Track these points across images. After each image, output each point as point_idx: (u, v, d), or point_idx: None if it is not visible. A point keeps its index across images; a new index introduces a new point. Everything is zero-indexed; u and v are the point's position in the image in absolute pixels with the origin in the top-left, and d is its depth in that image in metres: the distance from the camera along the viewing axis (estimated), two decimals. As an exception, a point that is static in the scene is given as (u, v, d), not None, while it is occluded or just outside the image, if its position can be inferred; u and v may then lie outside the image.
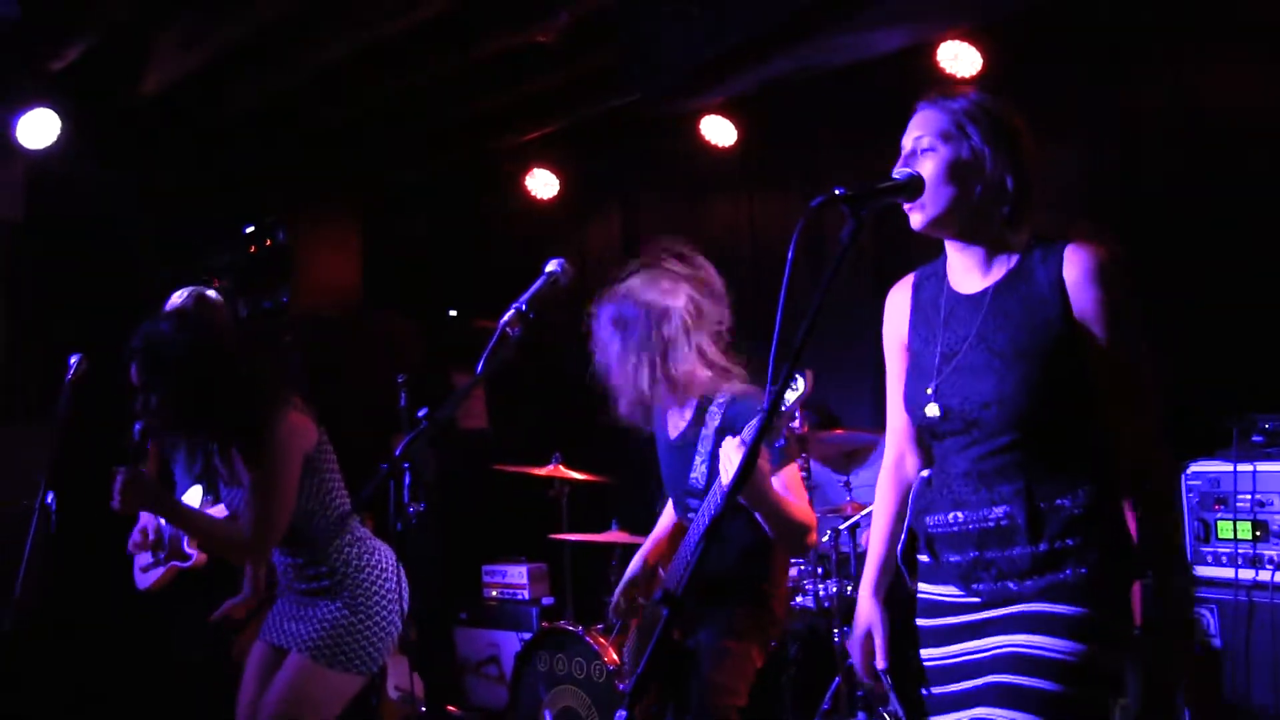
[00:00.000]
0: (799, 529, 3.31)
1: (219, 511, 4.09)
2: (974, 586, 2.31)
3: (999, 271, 2.34)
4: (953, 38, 5.40)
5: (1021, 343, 2.25)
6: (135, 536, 4.68)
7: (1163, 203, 4.76)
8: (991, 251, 2.35)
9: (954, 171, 2.29)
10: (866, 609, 2.68)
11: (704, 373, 3.45)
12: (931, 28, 5.43)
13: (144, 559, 4.72)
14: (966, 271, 2.40)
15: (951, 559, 2.36)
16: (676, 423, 3.55)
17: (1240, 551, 3.75)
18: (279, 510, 3.32)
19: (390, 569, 3.50)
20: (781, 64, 5.79)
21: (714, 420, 3.39)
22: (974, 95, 2.36)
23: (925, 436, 2.51)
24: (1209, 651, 3.74)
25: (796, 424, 3.26)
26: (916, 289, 2.54)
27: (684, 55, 5.37)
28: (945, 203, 2.30)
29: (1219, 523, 3.81)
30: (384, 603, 3.44)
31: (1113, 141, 4.87)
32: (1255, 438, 3.88)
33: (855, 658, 2.70)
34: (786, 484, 3.31)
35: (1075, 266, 2.22)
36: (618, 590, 3.75)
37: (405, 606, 3.50)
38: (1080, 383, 2.23)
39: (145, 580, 4.73)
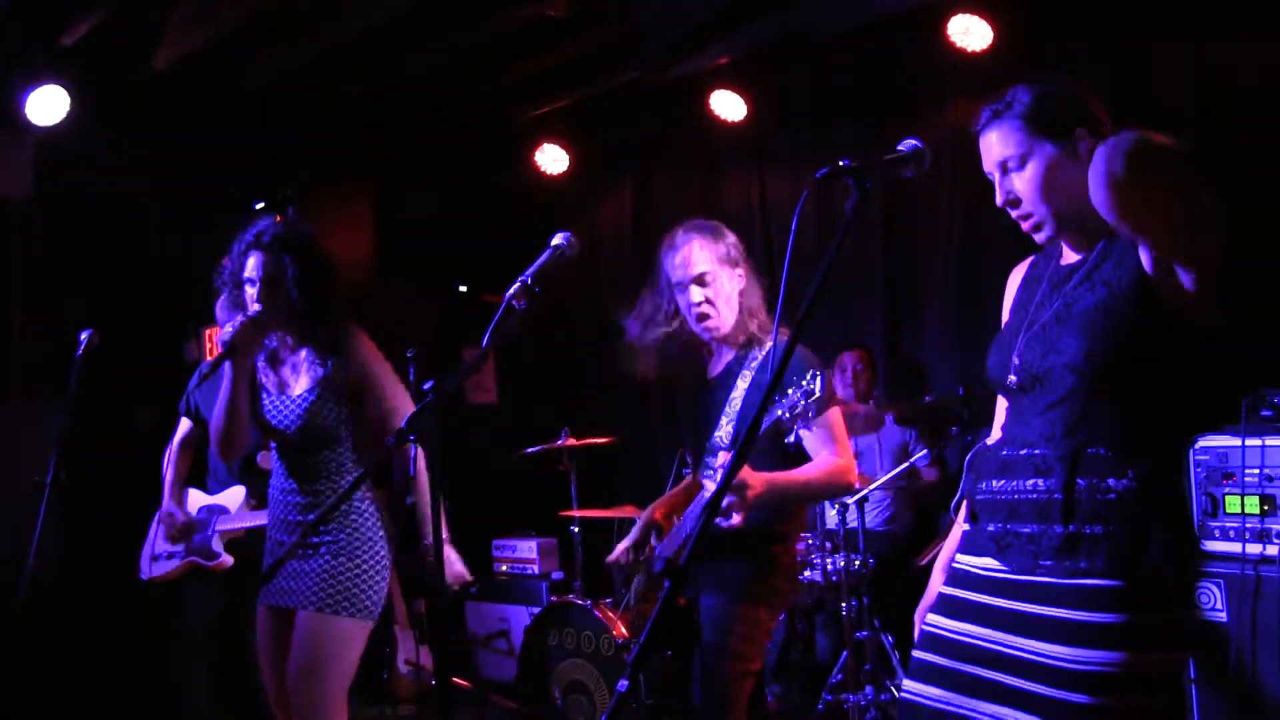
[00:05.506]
0: (825, 492, 3.37)
1: (262, 516, 4.15)
2: (1007, 555, 2.29)
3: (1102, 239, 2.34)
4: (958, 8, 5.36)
5: (1099, 298, 2.23)
6: (159, 526, 4.67)
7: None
8: (1096, 221, 2.29)
9: (1047, 184, 2.32)
10: (931, 582, 2.64)
11: (757, 317, 3.48)
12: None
13: (161, 547, 4.71)
14: (1077, 247, 2.40)
15: (989, 527, 2.34)
16: (723, 359, 3.53)
17: (1248, 526, 3.74)
18: (401, 391, 3.50)
19: (379, 519, 3.52)
20: (775, 25, 5.74)
21: (751, 368, 3.39)
22: (1024, 95, 2.36)
23: (1003, 401, 2.51)
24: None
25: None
26: (1031, 266, 2.56)
27: (673, 19, 5.35)
28: (1055, 215, 2.33)
29: (1227, 497, 3.81)
30: (377, 548, 3.48)
31: (1133, 117, 4.80)
32: (1264, 412, 3.85)
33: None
34: (824, 437, 3.29)
35: None
36: (620, 545, 3.73)
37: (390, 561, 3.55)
38: (1152, 347, 2.18)
39: (154, 570, 4.70)
